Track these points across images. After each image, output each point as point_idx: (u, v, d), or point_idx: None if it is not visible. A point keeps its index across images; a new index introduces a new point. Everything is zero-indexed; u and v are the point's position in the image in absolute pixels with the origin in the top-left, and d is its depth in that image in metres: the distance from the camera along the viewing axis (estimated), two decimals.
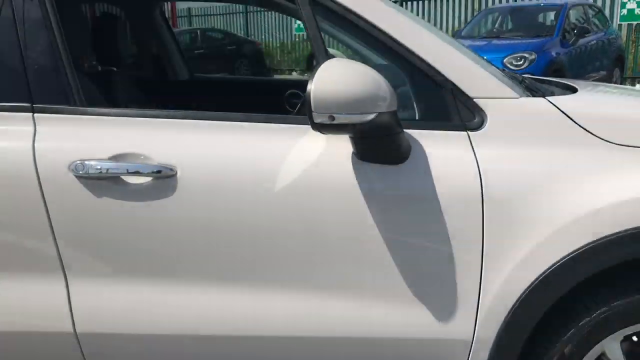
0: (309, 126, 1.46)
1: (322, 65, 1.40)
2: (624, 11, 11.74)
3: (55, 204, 1.55)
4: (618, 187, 1.56)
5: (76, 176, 1.54)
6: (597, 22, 10.30)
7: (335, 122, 1.39)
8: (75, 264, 1.58)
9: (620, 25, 12.02)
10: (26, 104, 1.59)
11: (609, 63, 9.94)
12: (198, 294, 1.59)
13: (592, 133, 1.60)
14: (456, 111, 1.60)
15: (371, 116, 1.40)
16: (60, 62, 1.62)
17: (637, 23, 11.85)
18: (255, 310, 1.61)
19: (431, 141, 1.58)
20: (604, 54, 9.79)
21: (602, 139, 1.59)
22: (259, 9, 16.12)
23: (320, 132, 1.45)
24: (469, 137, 1.59)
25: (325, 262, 1.59)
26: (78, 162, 1.53)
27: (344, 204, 1.55)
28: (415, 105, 1.67)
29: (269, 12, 17.40)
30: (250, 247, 1.58)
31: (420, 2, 14.90)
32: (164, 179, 1.54)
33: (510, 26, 9.72)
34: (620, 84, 10.37)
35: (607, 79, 9.57)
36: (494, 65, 1.93)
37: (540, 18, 9.91)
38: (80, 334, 1.61)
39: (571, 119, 1.61)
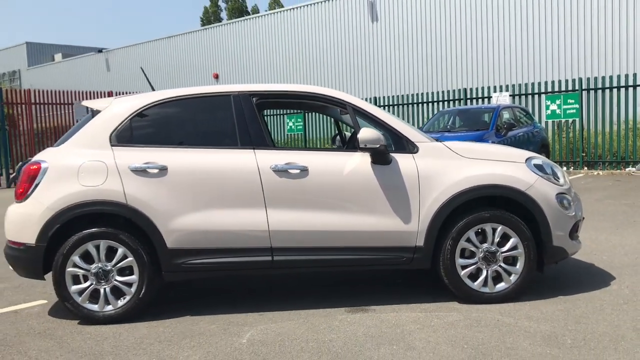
0: (355, 151, 4.29)
1: (362, 130, 4.20)
2: (549, 111, 15.18)
3: (265, 180, 4.24)
4: (465, 173, 4.34)
5: (273, 170, 4.25)
6: (525, 119, 13.54)
7: (367, 147, 4.17)
8: (270, 202, 4.24)
9: (547, 122, 15.39)
10: (251, 146, 4.34)
11: (535, 149, 12.99)
12: (319, 214, 4.26)
13: (457, 154, 4.40)
14: (408, 147, 4.40)
15: (378, 145, 4.19)
16: (262, 130, 4.40)
17: (559, 120, 15.24)
18: (337, 221, 4.28)
19: (399, 157, 4.35)
20: (530, 142, 12.88)
21: (461, 156, 4.40)
22: None
23: (362, 152, 4.23)
24: (413, 156, 4.37)
25: (360, 203, 4.29)
26: (274, 164, 4.25)
27: (367, 179, 4.28)
28: (392, 145, 4.46)
29: (266, 115, 20.63)
30: (335, 197, 4.27)
31: (397, 107, 18.28)
32: (304, 170, 4.27)
33: (458, 123, 12.86)
34: None
35: None
36: (426, 134, 4.73)
37: (481, 117, 13.09)
38: (271, 231, 4.25)
39: (450, 149, 4.42)
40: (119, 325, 4.19)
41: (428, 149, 4.41)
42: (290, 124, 20.27)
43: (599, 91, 14.58)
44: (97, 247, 4.21)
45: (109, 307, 4.25)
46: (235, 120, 4.40)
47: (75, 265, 4.21)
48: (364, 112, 4.49)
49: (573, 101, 14.79)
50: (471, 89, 16.86)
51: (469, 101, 16.59)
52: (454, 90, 17.19)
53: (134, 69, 37.48)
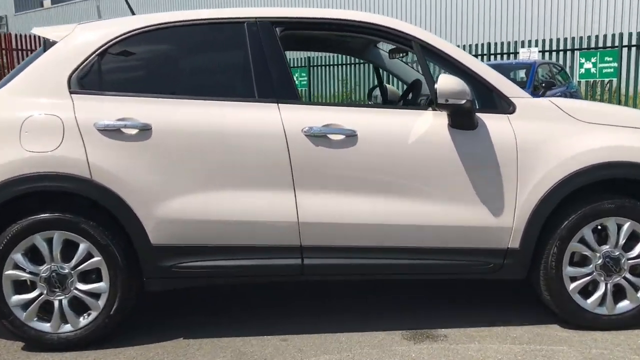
0: (424, 110, 2.92)
1: (441, 76, 2.83)
2: (582, 70, 13.70)
3: (293, 149, 2.89)
4: (583, 144, 2.99)
5: (305, 135, 2.89)
6: (560, 78, 12.11)
7: (448, 102, 2.80)
8: (301, 182, 2.90)
9: (579, 82, 13.94)
10: (273, 98, 2.96)
11: None
12: (371, 199, 2.93)
13: (570, 115, 3.04)
14: (500, 104, 3.03)
15: (464, 101, 2.82)
16: (289, 76, 3.02)
17: (594, 80, 13.80)
18: (397, 211, 2.95)
19: (488, 119, 2.99)
20: None
21: (576, 118, 3.04)
22: None
23: (440, 109, 2.87)
24: (508, 118, 3.01)
25: (431, 186, 2.95)
26: (307, 127, 2.89)
27: (443, 150, 2.94)
28: (477, 101, 3.09)
29: None
30: (394, 176, 2.94)
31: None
32: (350, 136, 2.91)
33: None
34: None
35: None
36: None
37: (512, 75, 11.65)
38: (301, 223, 2.92)
39: (559, 108, 3.06)
40: (81, 352, 2.91)
41: (528, 107, 3.05)
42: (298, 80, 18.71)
43: None
44: (49, 241, 2.89)
45: (67, 328, 2.95)
46: (251, 59, 3.01)
47: (17, 267, 2.89)
48: (437, 53, 3.09)
49: (611, 59, 13.29)
50: (496, 44, 15.32)
51: (492, 57, 15.08)
52: (476, 45, 15.64)
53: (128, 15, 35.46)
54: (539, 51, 14.25)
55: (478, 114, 2.99)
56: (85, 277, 2.95)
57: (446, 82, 2.81)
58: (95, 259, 2.91)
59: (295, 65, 18.96)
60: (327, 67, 18.35)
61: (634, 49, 13.18)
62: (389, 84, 5.04)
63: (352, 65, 17.53)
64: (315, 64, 18.63)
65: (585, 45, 13.83)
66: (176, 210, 2.89)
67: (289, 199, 2.92)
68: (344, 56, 16.76)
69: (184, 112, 2.92)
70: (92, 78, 2.99)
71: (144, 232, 2.89)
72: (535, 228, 3.00)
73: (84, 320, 2.95)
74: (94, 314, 2.95)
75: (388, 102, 4.32)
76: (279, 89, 2.99)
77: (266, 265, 2.98)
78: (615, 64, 13.25)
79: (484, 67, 3.11)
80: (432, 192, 2.96)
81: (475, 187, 2.96)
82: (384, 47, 4.01)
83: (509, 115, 3.02)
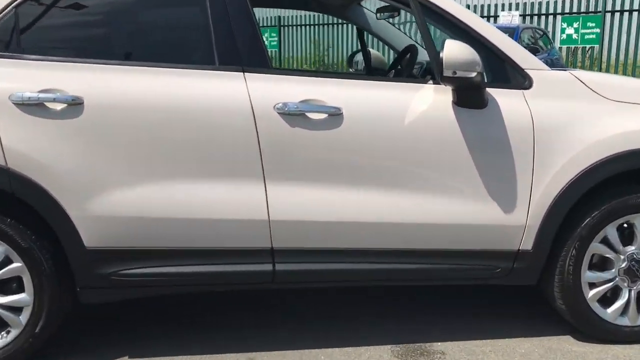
0: (420, 84, 2.41)
1: (447, 43, 2.27)
2: (564, 36, 13.23)
3: (263, 131, 2.33)
4: (611, 127, 2.49)
5: (278, 112, 2.33)
6: (541, 43, 11.65)
7: (456, 75, 2.26)
8: (273, 171, 2.35)
9: (560, 48, 13.48)
10: (238, 66, 2.37)
11: None
12: (358, 193, 2.40)
13: (596, 92, 2.53)
14: (515, 77, 2.51)
15: (474, 73, 2.28)
16: (258, 39, 2.43)
17: (575, 47, 13.35)
18: (388, 206, 2.42)
19: (500, 95, 2.46)
20: None
21: (602, 96, 2.53)
22: None
23: (444, 83, 2.32)
24: (523, 94, 2.49)
25: (430, 176, 2.43)
26: (280, 103, 2.33)
27: (447, 130, 2.40)
28: (487, 74, 2.55)
29: None
30: (388, 164, 2.41)
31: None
32: (335, 115, 2.36)
33: None
34: None
35: None
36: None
37: None
38: (272, 221, 2.38)
39: (583, 83, 2.54)
40: None
41: (548, 82, 2.53)
42: (271, 39, 17.83)
43: (625, 14, 12.65)
44: None
45: None
46: (211, 16, 2.41)
47: None
48: (440, 13, 2.53)
49: (594, 25, 12.83)
50: (475, 6, 14.73)
51: None
52: None
53: None
54: (520, 15, 13.72)
55: (488, 90, 2.46)
56: (3, 287, 2.37)
57: (454, 50, 2.26)
58: (15, 265, 2.34)
59: (265, 24, 18.07)
60: (301, 27, 17.49)
61: (617, 15, 12.73)
62: (372, 48, 4.44)
63: (329, 26, 16.70)
64: (286, 24, 17.75)
65: (567, 10, 13.32)
66: (115, 205, 2.31)
67: (257, 192, 2.37)
68: (319, 15, 15.95)
69: (124, 82, 2.31)
70: (7, 38, 2.36)
71: (75, 232, 2.31)
72: (552, 226, 2.52)
73: (2, 340, 2.39)
74: (14, 332, 2.38)
75: (372, 69, 3.76)
76: (246, 55, 2.40)
77: (229, 272, 2.44)
78: (598, 30, 12.81)
79: (495, 32, 2.56)
80: (431, 184, 2.44)
81: (483, 177, 2.45)
82: (369, 5, 3.45)
83: (524, 91, 2.50)
